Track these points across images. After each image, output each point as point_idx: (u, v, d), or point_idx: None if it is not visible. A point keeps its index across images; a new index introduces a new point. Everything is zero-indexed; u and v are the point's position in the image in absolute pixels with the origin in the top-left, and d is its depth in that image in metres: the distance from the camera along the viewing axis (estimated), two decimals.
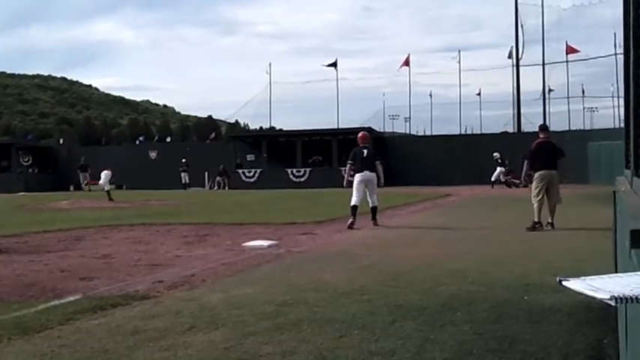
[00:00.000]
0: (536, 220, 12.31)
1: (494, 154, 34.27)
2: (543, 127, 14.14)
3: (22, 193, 38.24)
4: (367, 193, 14.18)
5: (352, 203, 13.90)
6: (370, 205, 14.16)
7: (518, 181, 29.84)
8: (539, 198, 12.60)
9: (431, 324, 5.02)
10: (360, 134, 15.28)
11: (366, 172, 14.19)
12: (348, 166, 14.77)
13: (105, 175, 28.40)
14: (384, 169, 14.72)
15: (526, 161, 13.27)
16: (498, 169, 33.40)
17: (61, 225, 14.86)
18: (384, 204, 19.10)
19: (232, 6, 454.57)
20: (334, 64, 56.91)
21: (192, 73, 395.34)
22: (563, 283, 1.24)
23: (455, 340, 4.58)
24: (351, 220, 13.60)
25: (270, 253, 9.67)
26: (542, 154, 12.88)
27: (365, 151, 14.45)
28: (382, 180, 14.64)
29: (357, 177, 14.23)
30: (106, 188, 27.78)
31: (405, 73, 58.74)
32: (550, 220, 12.48)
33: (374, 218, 14.11)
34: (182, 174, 42.64)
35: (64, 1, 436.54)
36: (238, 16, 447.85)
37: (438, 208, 19.70)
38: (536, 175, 12.82)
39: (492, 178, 33.26)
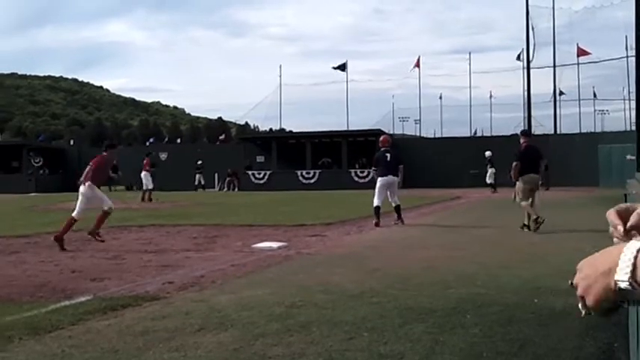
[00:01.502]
0: (534, 217, 12.62)
1: (487, 152, 33.44)
2: (526, 132, 14.68)
3: (33, 194, 38.41)
4: (389, 195, 14.58)
5: (375, 204, 14.41)
6: (393, 205, 14.58)
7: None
8: (527, 200, 12.99)
9: (440, 327, 5.01)
10: (381, 138, 15.75)
11: (390, 177, 14.56)
12: (373, 172, 15.22)
13: (145, 175, 27.62)
14: (489, 171, 14.94)
15: (515, 164, 13.27)
16: (490, 170, 32.60)
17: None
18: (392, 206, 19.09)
19: (243, 8, 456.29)
20: (343, 67, 56.98)
21: (202, 75, 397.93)
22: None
23: (465, 342, 4.57)
24: (375, 220, 14.19)
25: (279, 255, 9.68)
26: (528, 159, 13.24)
27: (388, 155, 14.78)
28: (401, 183, 14.92)
29: (380, 181, 14.61)
30: (150, 187, 27.08)
31: (415, 76, 58.87)
32: (528, 221, 12.76)
33: (399, 217, 14.53)
34: (197, 175, 42.68)
35: (76, 2, 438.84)
36: (249, 17, 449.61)
37: (448, 211, 19.67)
38: (523, 177, 13.08)
39: (488, 181, 32.67)
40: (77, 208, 11.50)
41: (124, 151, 52.92)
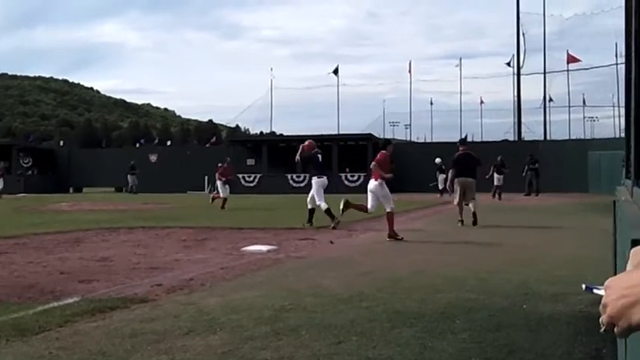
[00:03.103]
0: (460, 218, 15.11)
1: (437, 159, 33.89)
2: (462, 141, 16.71)
3: (22, 195, 38.22)
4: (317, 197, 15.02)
5: (325, 207, 14.81)
6: (323, 208, 14.87)
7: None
8: (458, 200, 15.32)
9: (429, 331, 5.01)
10: (307, 142, 16.04)
11: (325, 178, 15.31)
12: (302, 162, 16.11)
13: (220, 184, 24.86)
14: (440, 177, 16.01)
15: (451, 170, 15.77)
16: (441, 176, 32.61)
17: (60, 227, 14.85)
18: (383, 211, 19.12)
19: (236, 10, 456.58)
20: (336, 71, 57.14)
21: (194, 77, 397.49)
22: (595, 291, 1.18)
23: (453, 348, 4.57)
24: (334, 222, 14.39)
25: (269, 258, 9.66)
26: (461, 165, 15.26)
27: (320, 157, 15.57)
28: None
29: (318, 182, 15.14)
30: (222, 195, 24.14)
31: (406, 80, 59.02)
32: (462, 217, 15.12)
33: (312, 219, 14.89)
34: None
35: (68, 2, 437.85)
36: (242, 20, 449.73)
37: (437, 215, 19.68)
38: (455, 181, 15.24)
39: (440, 186, 32.87)
40: (387, 203, 12.56)
41: (114, 153, 52.95)
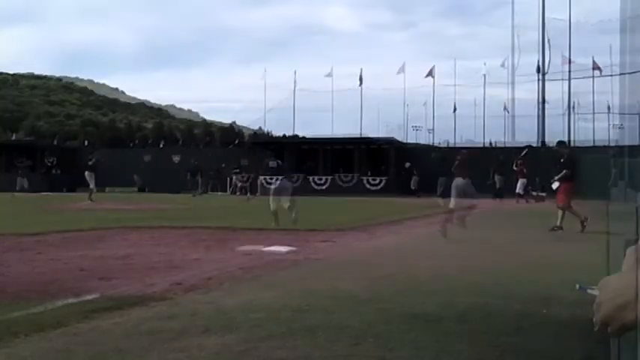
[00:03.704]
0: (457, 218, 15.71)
1: (406, 164, 38.26)
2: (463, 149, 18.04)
3: (46, 193, 38.60)
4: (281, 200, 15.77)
5: (273, 210, 15.59)
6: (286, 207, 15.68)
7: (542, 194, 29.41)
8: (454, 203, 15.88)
9: (447, 335, 4.98)
10: None
11: (280, 182, 16.25)
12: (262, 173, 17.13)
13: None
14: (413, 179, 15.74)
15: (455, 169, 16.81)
16: (414, 178, 37.16)
17: (82, 225, 14.97)
18: (405, 215, 19.07)
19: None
20: (361, 78, 57.09)
21: (217, 79, 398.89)
22: (588, 291, 1.18)
23: (470, 351, 4.54)
24: (273, 216, 15.34)
25: (287, 259, 9.66)
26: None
27: (270, 163, 16.88)
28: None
29: (275, 185, 16.20)
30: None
31: (429, 84, 58.71)
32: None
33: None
34: (234, 177, 42.27)
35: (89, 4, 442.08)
36: None
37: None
38: (454, 185, 15.43)
39: (412, 187, 37.05)
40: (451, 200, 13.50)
41: (137, 153, 53.31)
